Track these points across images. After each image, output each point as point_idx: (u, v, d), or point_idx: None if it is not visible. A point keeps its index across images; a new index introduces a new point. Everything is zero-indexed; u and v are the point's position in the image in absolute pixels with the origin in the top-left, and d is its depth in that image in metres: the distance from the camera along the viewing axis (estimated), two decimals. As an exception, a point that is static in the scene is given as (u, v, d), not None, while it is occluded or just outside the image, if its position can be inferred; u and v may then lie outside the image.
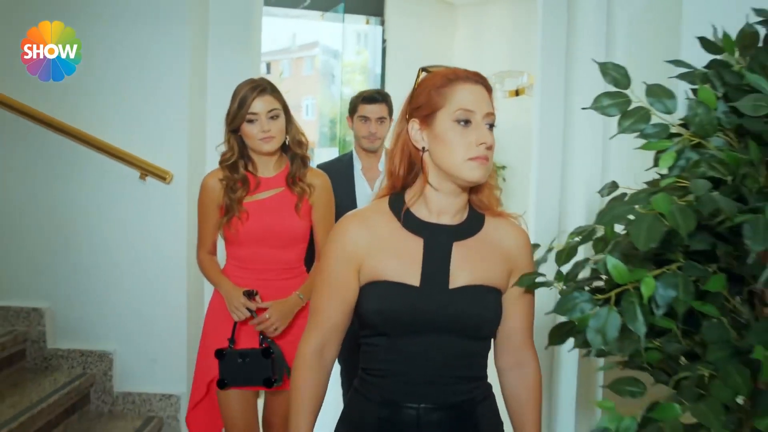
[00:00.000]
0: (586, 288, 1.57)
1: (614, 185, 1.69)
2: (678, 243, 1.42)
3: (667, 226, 1.29)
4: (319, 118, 10.07)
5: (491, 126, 1.61)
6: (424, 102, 1.61)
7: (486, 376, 1.73)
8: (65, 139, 3.38)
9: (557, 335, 1.64)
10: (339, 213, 2.83)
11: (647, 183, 1.63)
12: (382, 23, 8.40)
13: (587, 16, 3.02)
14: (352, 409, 1.74)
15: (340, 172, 3.30)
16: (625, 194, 1.57)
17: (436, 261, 1.63)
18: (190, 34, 3.47)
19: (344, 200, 3.09)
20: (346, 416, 1.76)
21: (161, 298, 3.47)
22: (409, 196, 1.66)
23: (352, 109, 3.43)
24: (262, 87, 2.59)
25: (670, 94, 1.52)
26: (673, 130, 1.52)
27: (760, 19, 1.58)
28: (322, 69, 9.53)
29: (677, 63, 1.59)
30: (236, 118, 2.57)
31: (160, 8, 3.44)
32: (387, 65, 8.25)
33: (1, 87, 3.35)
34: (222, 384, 2.60)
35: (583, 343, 1.57)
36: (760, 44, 1.62)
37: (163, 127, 3.44)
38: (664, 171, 1.49)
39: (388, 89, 7.74)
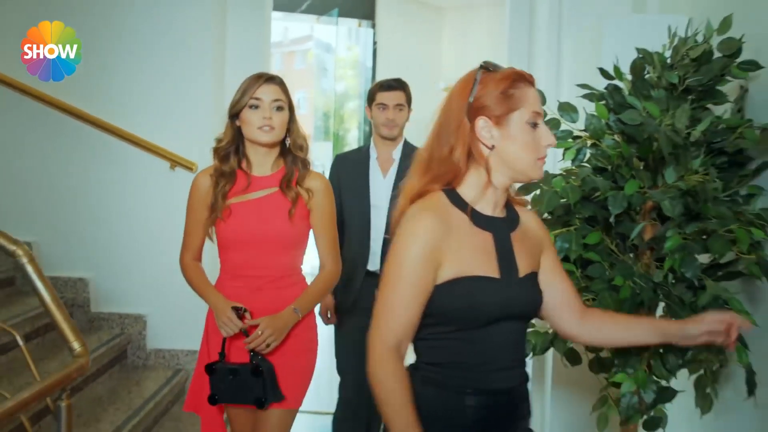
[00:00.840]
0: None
1: (546, 172, 2.35)
2: (576, 212, 2.09)
3: (562, 198, 1.95)
4: (313, 112, 10.52)
5: None
6: (496, 102, 1.60)
7: None
8: (109, 137, 4.01)
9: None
10: (352, 201, 2.81)
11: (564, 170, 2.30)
12: (373, 26, 8.97)
13: (542, 40, 3.67)
14: (436, 405, 1.65)
15: (356, 160, 3.36)
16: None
17: (506, 253, 1.65)
18: (213, 46, 4.12)
19: (357, 187, 3.25)
20: (432, 413, 1.64)
21: (187, 270, 4.10)
22: (474, 192, 1.64)
23: (370, 98, 3.36)
24: (270, 76, 2.46)
25: (574, 109, 2.18)
26: (576, 133, 2.18)
27: (641, 55, 2.23)
28: (315, 63, 9.81)
29: (582, 86, 2.25)
30: (238, 103, 2.42)
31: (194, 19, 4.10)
32: (378, 66, 8.78)
33: (59, 94, 3.94)
34: (213, 400, 2.42)
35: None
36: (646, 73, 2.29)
37: (189, 124, 4.07)
38: (569, 162, 2.15)
39: (379, 87, 8.33)
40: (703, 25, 2.20)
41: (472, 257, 1.61)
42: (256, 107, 2.39)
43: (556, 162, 2.28)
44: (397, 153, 3.35)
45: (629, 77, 2.27)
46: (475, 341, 1.61)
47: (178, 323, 4.11)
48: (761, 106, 2.15)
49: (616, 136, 2.19)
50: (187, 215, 2.53)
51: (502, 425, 1.65)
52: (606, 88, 2.25)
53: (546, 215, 2.18)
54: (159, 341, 4.16)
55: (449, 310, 1.60)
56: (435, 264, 1.58)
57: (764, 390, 2.05)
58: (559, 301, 1.75)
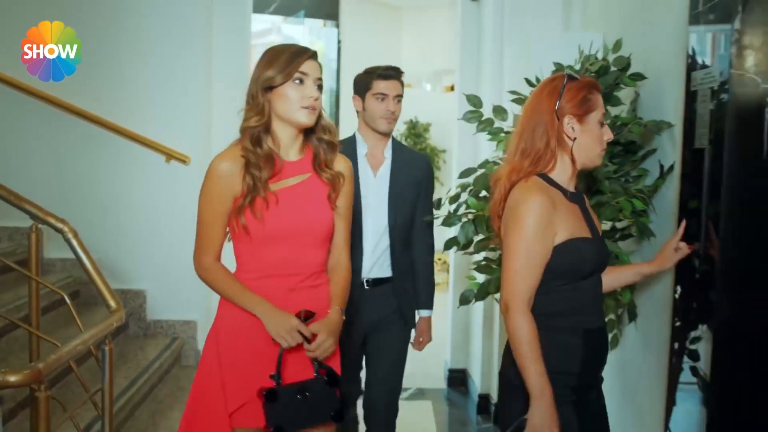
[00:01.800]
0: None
1: (487, 161, 2.96)
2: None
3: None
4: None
5: None
6: (579, 105, 2.04)
7: None
8: (112, 134, 4.46)
9: (449, 244, 2.91)
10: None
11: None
12: (337, 26, 9.51)
13: (487, 50, 4.30)
14: (554, 348, 2.00)
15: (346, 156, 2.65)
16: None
17: (590, 220, 2.12)
18: (202, 44, 4.65)
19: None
20: (554, 356, 1.99)
21: (182, 250, 4.45)
22: (563, 175, 2.09)
23: (364, 87, 2.98)
24: (314, 51, 2.17)
25: (504, 111, 2.79)
26: (507, 129, 2.80)
27: (556, 68, 2.85)
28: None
29: (512, 92, 2.86)
30: (281, 74, 2.09)
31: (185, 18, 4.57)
32: (342, 62, 9.35)
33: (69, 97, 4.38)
34: None
35: (462, 246, 2.85)
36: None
37: (182, 120, 4.57)
38: (500, 152, 2.77)
39: (343, 82, 8.90)
40: (609, 42, 2.82)
41: (575, 223, 2.04)
42: (301, 82, 2.12)
43: (492, 151, 2.91)
44: (388, 150, 3.05)
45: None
46: (581, 290, 2.05)
47: (174, 297, 4.65)
48: (647, 107, 2.79)
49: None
50: (205, 208, 2.20)
51: (600, 359, 2.12)
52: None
53: (484, 192, 2.80)
54: (157, 313, 4.68)
55: (565, 265, 2.00)
56: (552, 232, 1.98)
57: (642, 319, 2.72)
58: None
